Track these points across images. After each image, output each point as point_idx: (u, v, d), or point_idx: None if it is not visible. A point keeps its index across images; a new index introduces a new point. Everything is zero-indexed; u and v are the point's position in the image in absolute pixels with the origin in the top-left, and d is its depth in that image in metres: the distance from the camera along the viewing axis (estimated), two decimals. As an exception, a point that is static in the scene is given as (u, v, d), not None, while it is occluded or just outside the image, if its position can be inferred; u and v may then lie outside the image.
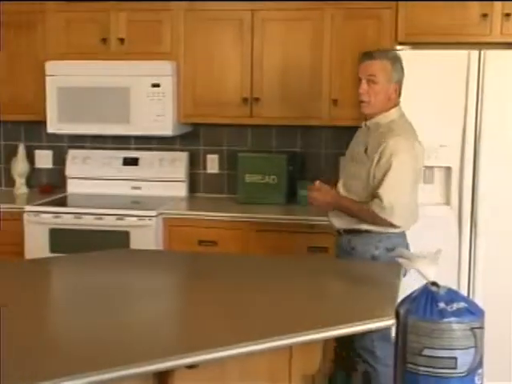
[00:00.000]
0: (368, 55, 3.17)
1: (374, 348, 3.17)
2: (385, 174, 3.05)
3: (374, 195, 3.08)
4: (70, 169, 4.67)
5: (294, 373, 2.45)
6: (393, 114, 3.19)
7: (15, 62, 4.46)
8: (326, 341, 2.66)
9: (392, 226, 3.10)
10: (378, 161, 3.08)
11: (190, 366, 2.02)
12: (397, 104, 3.22)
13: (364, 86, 3.13)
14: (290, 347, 2.34)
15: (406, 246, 3.16)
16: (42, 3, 4.34)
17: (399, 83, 3.19)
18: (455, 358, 2.25)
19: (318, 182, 3.23)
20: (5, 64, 4.48)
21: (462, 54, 3.60)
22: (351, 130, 4.27)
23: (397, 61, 3.19)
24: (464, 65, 3.59)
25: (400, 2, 3.84)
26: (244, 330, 2.22)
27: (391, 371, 3.09)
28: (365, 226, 3.16)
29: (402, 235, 3.19)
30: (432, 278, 2.37)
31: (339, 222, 3.24)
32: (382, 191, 3.04)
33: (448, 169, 3.68)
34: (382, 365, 3.17)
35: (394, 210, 3.04)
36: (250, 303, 2.52)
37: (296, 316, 2.37)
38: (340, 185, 3.24)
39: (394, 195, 3.04)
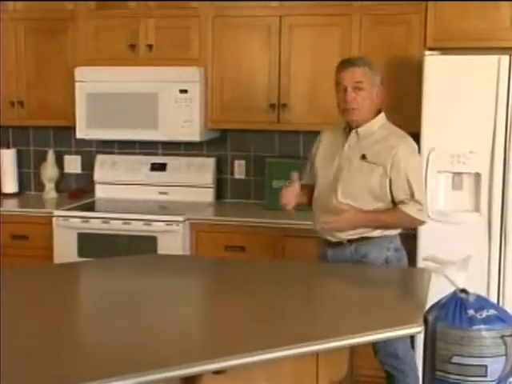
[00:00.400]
0: (349, 62, 3.17)
1: (397, 350, 3.18)
2: (408, 177, 3.10)
3: (405, 199, 3.10)
4: (99, 174, 4.70)
5: (321, 378, 2.44)
6: (381, 118, 3.22)
7: (45, 67, 4.51)
8: (354, 347, 2.64)
9: (422, 224, 3.25)
10: (394, 165, 3.09)
11: (217, 372, 2.02)
12: (380, 108, 3.24)
13: (352, 93, 3.11)
14: (316, 353, 2.33)
15: None
16: (74, 7, 4.39)
17: (379, 87, 3.20)
18: (485, 366, 2.23)
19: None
20: (35, 69, 4.53)
21: (492, 59, 3.56)
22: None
23: (373, 65, 3.21)
24: (494, 70, 3.55)
25: (429, 5, 3.80)
26: (271, 336, 2.21)
27: (413, 366, 3.12)
28: (378, 232, 3.16)
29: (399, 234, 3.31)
30: (461, 285, 2.35)
31: (345, 233, 3.17)
32: (417, 196, 3.11)
33: (477, 175, 3.64)
34: (404, 363, 3.20)
35: (426, 210, 3.23)
36: (277, 309, 2.51)
37: (323, 322, 2.36)
38: (340, 195, 3.15)
39: (423, 196, 3.17)
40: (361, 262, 3.16)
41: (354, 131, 3.18)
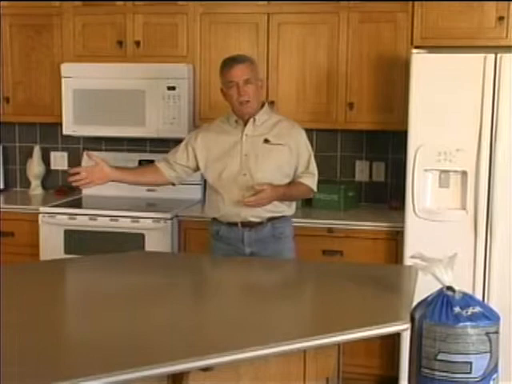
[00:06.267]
0: (234, 61, 3.35)
1: None
2: (309, 153, 3.46)
3: (301, 173, 3.43)
4: (86, 171, 4.67)
5: (308, 376, 2.45)
6: (266, 108, 3.47)
7: (31, 63, 4.49)
8: (342, 344, 2.65)
9: (313, 194, 3.61)
10: (296, 143, 3.41)
11: (205, 369, 2.02)
12: (263, 100, 3.53)
13: (244, 87, 3.31)
14: (303, 350, 2.34)
15: None
16: (61, 3, 4.37)
17: (261, 80, 3.49)
18: (470, 363, 2.24)
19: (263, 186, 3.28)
20: (21, 66, 4.51)
21: (478, 57, 3.58)
22: (367, 134, 4.27)
23: (253, 60, 3.46)
24: (480, 68, 3.57)
25: (416, 3, 3.81)
26: (258, 334, 2.22)
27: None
28: (292, 210, 3.49)
29: None
30: (447, 283, 2.36)
31: (265, 211, 3.35)
32: (311, 168, 3.47)
33: (464, 173, 3.66)
34: None
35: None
36: (264, 306, 2.52)
37: (310, 320, 2.37)
38: (254, 179, 3.31)
39: (315, 168, 3.52)
40: (280, 238, 3.41)
41: (251, 120, 3.38)
